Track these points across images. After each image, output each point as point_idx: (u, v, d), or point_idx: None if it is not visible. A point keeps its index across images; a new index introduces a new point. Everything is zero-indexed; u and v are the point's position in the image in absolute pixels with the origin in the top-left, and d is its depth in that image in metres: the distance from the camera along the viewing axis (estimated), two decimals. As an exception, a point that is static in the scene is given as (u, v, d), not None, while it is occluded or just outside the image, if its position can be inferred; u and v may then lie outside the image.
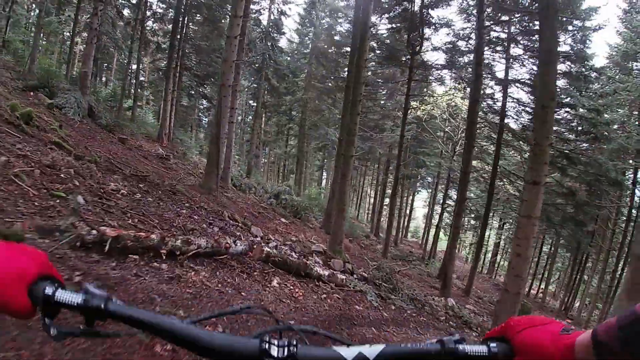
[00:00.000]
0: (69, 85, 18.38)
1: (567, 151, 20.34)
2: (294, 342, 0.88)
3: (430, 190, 42.55)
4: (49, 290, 0.86)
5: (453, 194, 34.41)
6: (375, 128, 28.67)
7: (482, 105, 24.34)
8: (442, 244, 36.73)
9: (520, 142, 23.73)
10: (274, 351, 0.86)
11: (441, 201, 34.57)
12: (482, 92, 23.42)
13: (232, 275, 6.92)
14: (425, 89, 29.99)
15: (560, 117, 21.90)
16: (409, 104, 22.27)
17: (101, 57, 34.97)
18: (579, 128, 22.87)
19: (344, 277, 9.67)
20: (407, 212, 43.37)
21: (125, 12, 30.57)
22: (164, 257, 6.25)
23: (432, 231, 35.91)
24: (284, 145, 41.54)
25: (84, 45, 22.88)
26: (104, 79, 41.31)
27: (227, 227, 10.66)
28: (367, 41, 13.89)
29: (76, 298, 0.87)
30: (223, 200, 14.46)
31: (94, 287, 0.89)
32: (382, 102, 31.53)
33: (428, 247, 34.28)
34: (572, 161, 19.93)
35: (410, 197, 43.85)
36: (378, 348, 0.90)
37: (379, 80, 30.01)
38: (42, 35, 35.97)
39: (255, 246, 8.21)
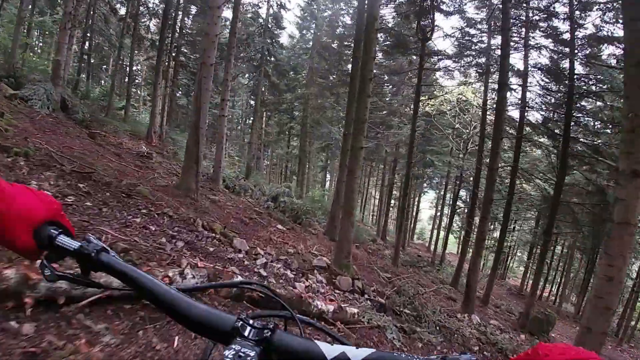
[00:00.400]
0: (42, 76, 15.84)
1: (595, 143, 17.40)
2: (271, 326, 0.79)
3: (438, 191, 39.58)
4: (52, 233, 0.85)
5: (462, 194, 31.74)
6: (382, 125, 25.67)
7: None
8: (451, 247, 34.13)
9: (540, 136, 20.80)
10: (247, 331, 0.77)
11: (450, 202, 31.57)
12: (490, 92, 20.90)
13: (169, 334, 3.85)
14: (433, 83, 26.97)
15: (590, 106, 18.86)
16: (420, 95, 19.21)
17: (95, 55, 32.34)
18: (595, 123, 19.78)
19: (355, 310, 6.61)
20: (414, 213, 40.34)
21: (122, 11, 27.80)
22: (29, 311, 3.22)
23: (441, 233, 33.16)
24: (286, 146, 38.34)
25: (72, 36, 20.57)
26: (102, 81, 38.68)
27: (197, 240, 7.67)
28: (378, 5, 10.86)
29: (73, 244, 0.84)
30: (204, 205, 11.42)
31: (95, 238, 0.86)
32: (388, 98, 28.56)
33: (435, 250, 31.49)
34: (601, 155, 16.87)
35: (417, 198, 40.78)
36: (365, 352, 0.76)
37: (385, 75, 27.18)
38: (38, 34, 33.58)
39: (221, 274, 5.11)
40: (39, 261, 0.87)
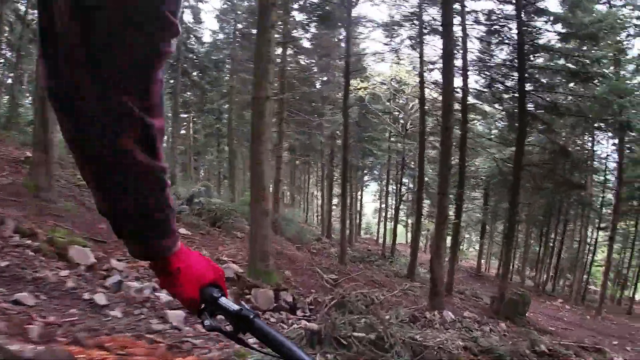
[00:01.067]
0: None
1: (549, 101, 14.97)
2: None
3: (380, 182, 36.94)
4: (216, 294, 0.92)
5: (405, 180, 29.70)
6: (314, 114, 22.58)
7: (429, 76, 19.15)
8: (401, 238, 32.05)
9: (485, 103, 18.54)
10: None
11: (395, 191, 28.85)
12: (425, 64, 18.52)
13: None
14: (363, 67, 24.24)
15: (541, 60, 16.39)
16: (350, 67, 16.32)
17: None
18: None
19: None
20: (358, 208, 37.43)
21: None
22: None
23: (388, 225, 30.47)
24: (216, 150, 34.39)
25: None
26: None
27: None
28: None
29: (234, 306, 0.90)
30: (63, 207, 7.71)
31: (248, 306, 0.90)
32: (319, 86, 25.52)
33: (384, 243, 28.46)
34: (559, 112, 14.35)
35: (359, 192, 37.92)
36: None
37: (315, 67, 24.19)
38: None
39: None
40: None
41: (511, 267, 29.11)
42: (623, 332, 15.83)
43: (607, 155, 25.14)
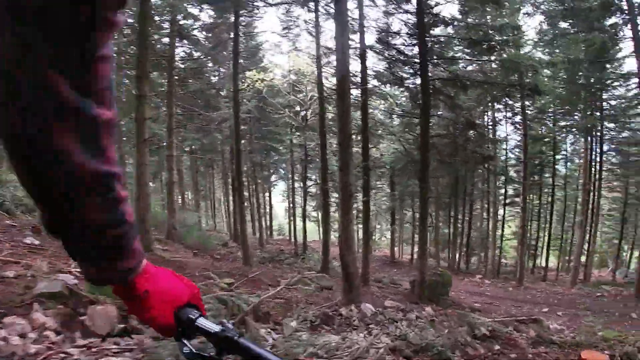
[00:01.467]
0: None
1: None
2: None
3: (288, 181, 35.83)
4: (192, 315, 0.85)
5: (312, 174, 28.69)
6: (209, 108, 20.84)
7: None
8: (314, 236, 31.17)
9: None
10: None
11: (302, 185, 27.95)
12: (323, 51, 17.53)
13: None
14: (260, 56, 22.85)
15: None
16: (239, 45, 15.12)
17: None
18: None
19: None
20: (267, 209, 36.22)
21: None
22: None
23: (299, 223, 29.44)
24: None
25: None
26: None
27: None
28: None
29: (214, 327, 0.83)
30: None
31: (230, 323, 0.84)
32: (215, 79, 23.93)
33: (296, 241, 27.63)
34: (462, 83, 13.73)
35: (267, 193, 36.63)
36: None
37: (210, 62, 22.40)
38: None
39: None
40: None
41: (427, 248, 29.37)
42: (548, 298, 16.06)
43: (507, 135, 26.14)
